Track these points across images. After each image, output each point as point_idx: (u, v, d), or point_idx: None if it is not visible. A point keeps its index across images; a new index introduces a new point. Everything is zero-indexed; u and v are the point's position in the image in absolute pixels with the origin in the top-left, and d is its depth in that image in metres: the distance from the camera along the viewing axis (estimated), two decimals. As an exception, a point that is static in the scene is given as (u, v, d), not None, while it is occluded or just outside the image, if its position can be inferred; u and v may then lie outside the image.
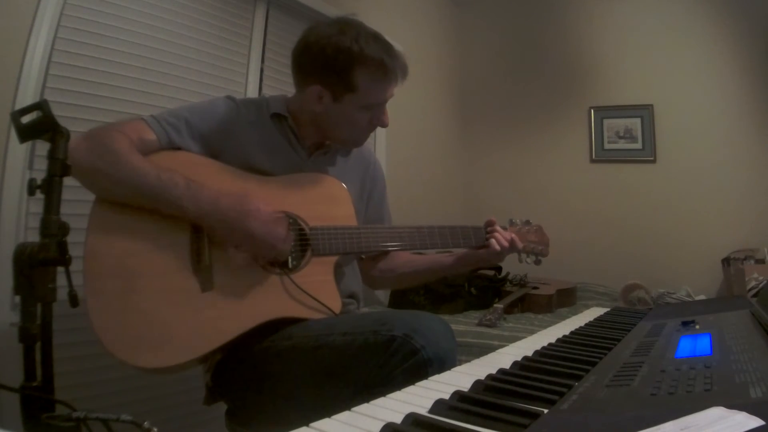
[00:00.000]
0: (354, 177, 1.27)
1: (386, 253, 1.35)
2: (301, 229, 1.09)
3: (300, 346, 0.99)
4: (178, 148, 1.06)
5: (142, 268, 0.95)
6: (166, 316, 0.94)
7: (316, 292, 1.04)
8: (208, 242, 1.00)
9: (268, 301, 1.02)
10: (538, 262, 1.39)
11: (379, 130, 2.71)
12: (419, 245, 1.23)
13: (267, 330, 1.01)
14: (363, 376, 0.89)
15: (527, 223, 1.41)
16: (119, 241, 0.96)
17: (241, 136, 1.12)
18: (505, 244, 1.26)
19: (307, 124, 1.19)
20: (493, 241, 1.26)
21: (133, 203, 0.97)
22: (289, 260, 1.06)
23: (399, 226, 1.25)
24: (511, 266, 2.64)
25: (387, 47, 1.11)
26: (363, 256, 1.32)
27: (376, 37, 1.11)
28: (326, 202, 1.15)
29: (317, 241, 1.09)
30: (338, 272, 1.14)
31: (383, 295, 2.65)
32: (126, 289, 0.93)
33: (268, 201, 1.04)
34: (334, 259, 1.10)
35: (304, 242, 1.09)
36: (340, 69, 1.07)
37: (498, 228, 1.29)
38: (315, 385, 0.96)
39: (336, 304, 1.07)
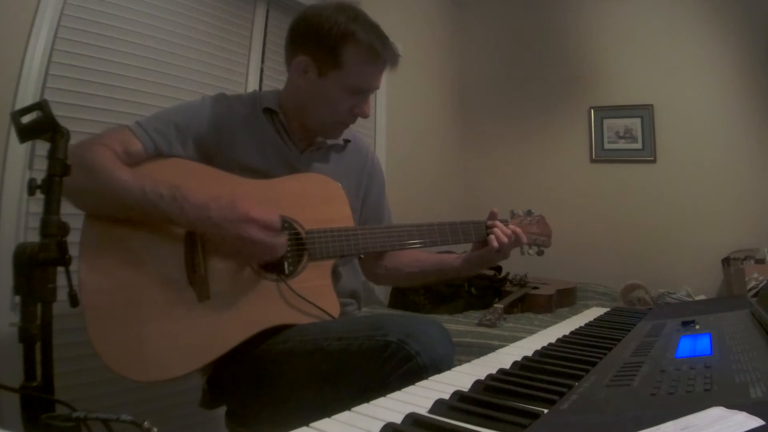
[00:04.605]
0: (350, 174, 1.25)
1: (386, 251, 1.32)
2: (297, 233, 1.07)
3: (296, 349, 0.98)
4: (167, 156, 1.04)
5: (138, 282, 0.94)
6: (166, 329, 0.93)
7: (313, 298, 1.03)
8: (203, 251, 0.99)
9: (267, 309, 1.01)
10: (540, 253, 1.35)
11: (378, 129, 2.75)
12: (418, 243, 1.19)
13: (264, 333, 1.01)
14: (359, 381, 0.88)
15: (529, 213, 1.36)
16: (112, 256, 0.95)
17: (233, 135, 1.10)
18: (504, 240, 1.20)
19: (294, 117, 1.16)
20: (492, 237, 1.20)
21: (122, 217, 0.96)
22: (285, 266, 1.04)
23: (397, 224, 1.21)
24: (511, 266, 2.65)
25: (382, 37, 1.10)
26: (362, 256, 1.31)
27: (374, 26, 1.10)
28: (322, 203, 1.13)
29: (314, 245, 1.07)
30: (336, 273, 1.13)
31: (383, 295, 2.65)
32: (123, 304, 0.92)
33: (262, 206, 1.03)
34: (331, 262, 1.09)
35: (301, 246, 1.07)
36: (330, 42, 1.06)
37: (498, 223, 1.23)
38: (312, 388, 0.95)
39: (334, 308, 1.06)
